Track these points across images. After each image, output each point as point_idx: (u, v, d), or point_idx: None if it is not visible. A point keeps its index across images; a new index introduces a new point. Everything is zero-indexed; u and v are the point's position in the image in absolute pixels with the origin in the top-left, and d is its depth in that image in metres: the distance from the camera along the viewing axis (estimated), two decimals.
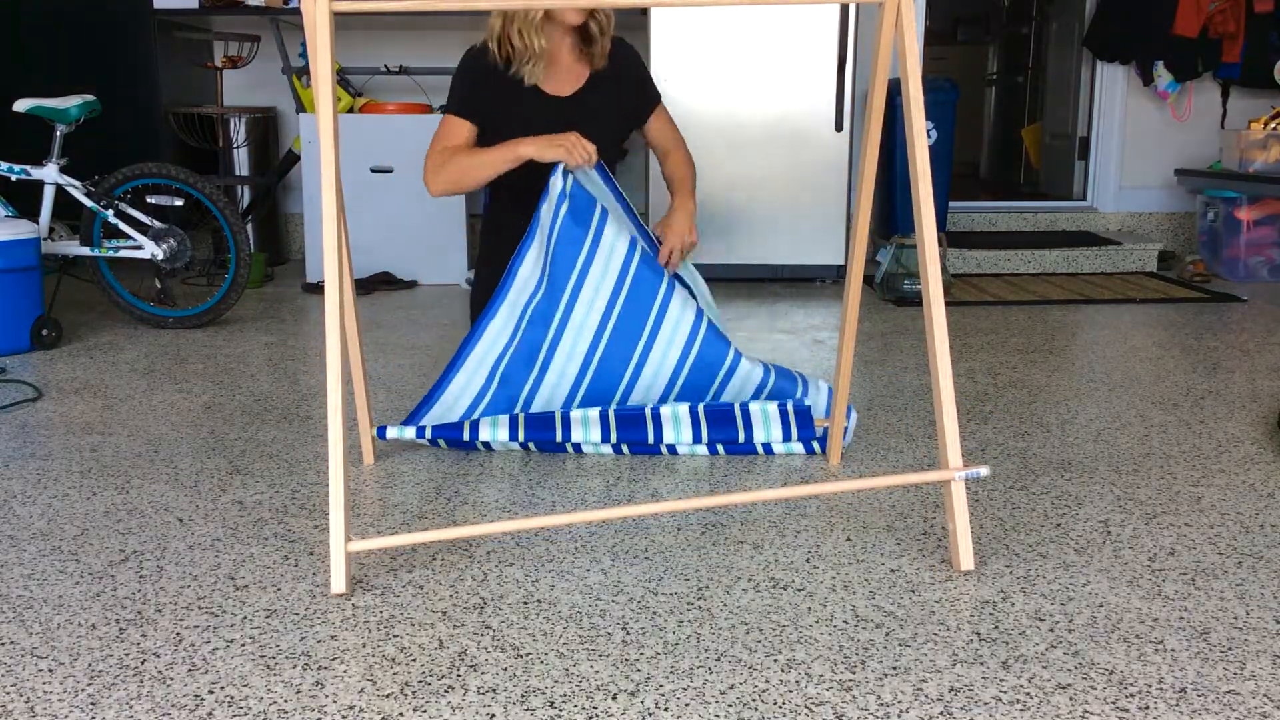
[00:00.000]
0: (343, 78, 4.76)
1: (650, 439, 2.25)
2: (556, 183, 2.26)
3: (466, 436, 2.25)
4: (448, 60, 5.02)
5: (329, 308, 1.62)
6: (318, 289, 4.35)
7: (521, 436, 2.24)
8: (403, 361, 3.12)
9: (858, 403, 2.69)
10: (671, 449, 2.27)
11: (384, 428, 2.27)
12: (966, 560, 1.71)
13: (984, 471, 1.73)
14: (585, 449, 2.27)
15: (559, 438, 2.24)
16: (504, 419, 2.25)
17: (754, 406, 2.28)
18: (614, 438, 2.25)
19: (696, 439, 2.25)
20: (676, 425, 2.25)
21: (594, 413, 2.25)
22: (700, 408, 2.27)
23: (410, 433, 2.26)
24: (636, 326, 2.29)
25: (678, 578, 1.68)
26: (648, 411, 2.26)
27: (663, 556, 1.76)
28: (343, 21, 5.01)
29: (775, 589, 1.64)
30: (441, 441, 2.28)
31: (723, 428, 2.26)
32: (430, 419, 2.34)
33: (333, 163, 1.66)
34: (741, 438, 2.26)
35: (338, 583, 1.60)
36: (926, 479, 1.74)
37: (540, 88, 2.50)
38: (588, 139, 2.30)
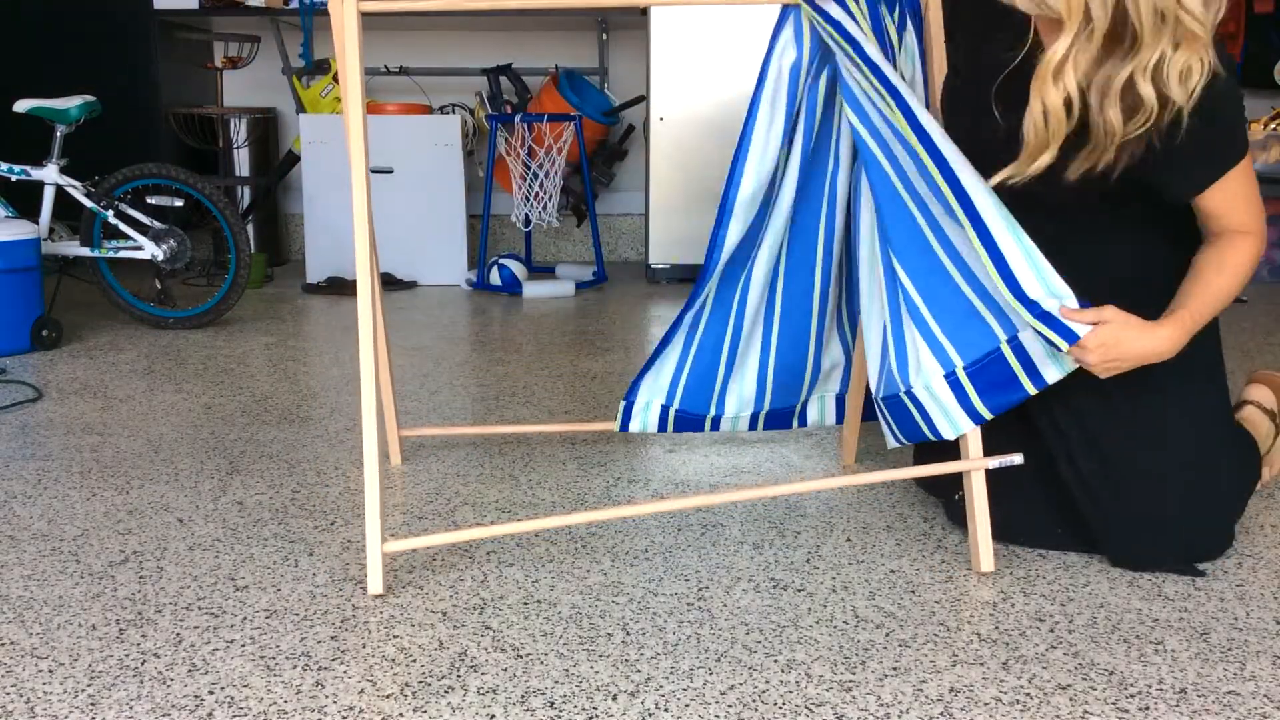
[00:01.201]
0: None
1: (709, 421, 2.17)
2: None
3: (708, 429, 2.13)
4: (446, 60, 5.01)
5: (361, 307, 1.62)
6: (317, 290, 4.35)
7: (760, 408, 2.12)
8: (401, 362, 3.12)
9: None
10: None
11: (629, 414, 2.07)
12: (987, 562, 1.69)
13: (1018, 459, 1.69)
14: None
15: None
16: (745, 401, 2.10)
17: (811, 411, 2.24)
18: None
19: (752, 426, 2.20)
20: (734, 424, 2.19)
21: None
22: (761, 415, 2.18)
23: (654, 424, 2.08)
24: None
25: (678, 578, 1.68)
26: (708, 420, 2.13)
27: (663, 556, 1.76)
28: None
29: (775, 589, 1.64)
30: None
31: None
32: (662, 378, 2.07)
33: (363, 164, 1.62)
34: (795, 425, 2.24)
35: (374, 584, 1.60)
36: (955, 469, 1.72)
37: None
38: None
